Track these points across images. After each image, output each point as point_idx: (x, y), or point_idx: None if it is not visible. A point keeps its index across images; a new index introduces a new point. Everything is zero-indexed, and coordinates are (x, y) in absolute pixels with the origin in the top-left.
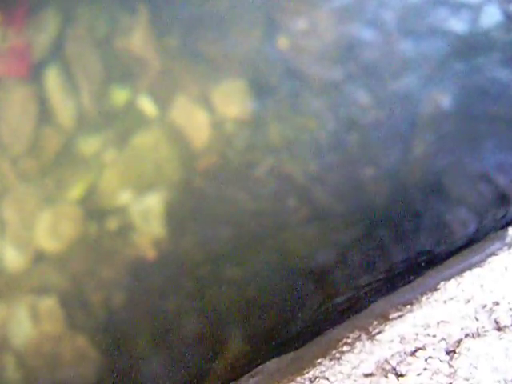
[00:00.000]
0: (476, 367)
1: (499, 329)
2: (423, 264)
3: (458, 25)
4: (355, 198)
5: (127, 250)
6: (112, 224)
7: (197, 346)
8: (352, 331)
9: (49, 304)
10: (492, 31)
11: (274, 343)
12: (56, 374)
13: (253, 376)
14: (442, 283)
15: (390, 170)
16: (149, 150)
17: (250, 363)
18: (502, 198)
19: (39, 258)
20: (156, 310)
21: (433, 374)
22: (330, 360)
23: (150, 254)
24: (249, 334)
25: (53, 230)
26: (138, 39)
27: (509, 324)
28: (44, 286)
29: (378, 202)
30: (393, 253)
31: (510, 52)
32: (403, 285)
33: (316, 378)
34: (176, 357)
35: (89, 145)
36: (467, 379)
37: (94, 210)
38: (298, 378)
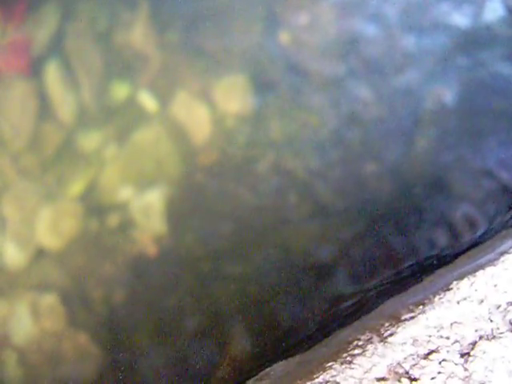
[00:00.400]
0: (492, 371)
1: None
2: (434, 262)
3: (460, 19)
4: (357, 193)
5: (128, 246)
6: (113, 220)
7: (199, 345)
8: (363, 333)
9: (49, 301)
10: (495, 26)
11: (281, 344)
12: (57, 371)
13: (259, 380)
14: (455, 283)
15: (393, 166)
16: (149, 146)
17: (255, 365)
18: (506, 195)
19: (40, 254)
20: (157, 306)
21: (447, 378)
22: (341, 364)
23: (151, 250)
24: (253, 334)
25: (53, 226)
26: (138, 34)
27: None
28: (45, 283)
29: (381, 198)
30: (400, 250)
31: None
32: (413, 284)
33: (327, 382)
34: (179, 355)
35: (89, 140)
36: (483, 383)
37: (94, 206)
38: (308, 383)
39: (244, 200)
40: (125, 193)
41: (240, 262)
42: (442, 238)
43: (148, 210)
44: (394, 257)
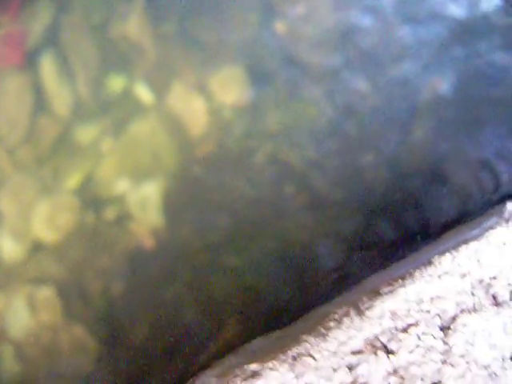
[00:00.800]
0: (472, 344)
1: (497, 304)
2: (418, 239)
3: (456, 10)
4: (354, 184)
5: (125, 239)
6: (109, 213)
7: (192, 334)
8: (340, 307)
9: (46, 294)
10: (491, 16)
11: (264, 324)
12: (54, 364)
13: (237, 354)
14: (436, 257)
15: (389, 157)
16: (146, 138)
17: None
18: (499, 182)
19: (37, 248)
20: (154, 298)
21: (426, 352)
22: (316, 337)
23: (148, 242)
24: (244, 320)
25: (50, 220)
26: (133, 26)
27: (507, 299)
28: (42, 276)
29: (377, 188)
30: (386, 227)
31: (509, 36)
32: (397, 260)
33: (300, 355)
34: (172, 344)
35: (85, 133)
36: (463, 356)
37: (91, 199)
38: (281, 356)
39: (241, 191)
40: (121, 185)
41: (236, 253)
42: (430, 217)
43: (145, 202)
44: (380, 233)
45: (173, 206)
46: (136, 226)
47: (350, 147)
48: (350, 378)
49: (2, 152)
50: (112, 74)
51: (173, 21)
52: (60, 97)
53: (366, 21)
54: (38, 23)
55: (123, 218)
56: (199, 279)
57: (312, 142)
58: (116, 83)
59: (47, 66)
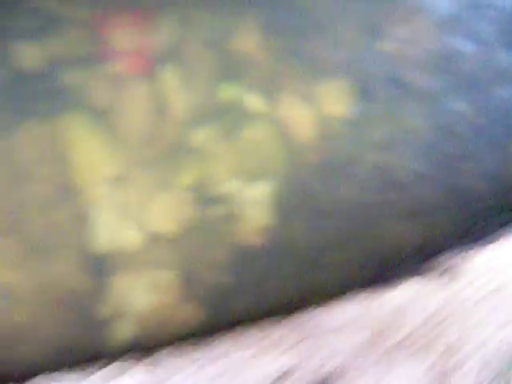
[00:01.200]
0: None
1: None
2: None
3: None
4: (452, 195)
5: (235, 235)
6: (221, 210)
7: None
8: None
9: (164, 278)
10: None
11: None
12: (168, 336)
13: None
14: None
15: (488, 172)
16: (256, 143)
17: None
18: None
19: (156, 237)
20: (260, 290)
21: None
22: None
23: (257, 239)
24: None
25: (167, 213)
26: (247, 41)
27: None
28: (160, 263)
29: (474, 200)
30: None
31: None
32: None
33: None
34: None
35: (200, 136)
36: None
37: (204, 196)
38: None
39: (345, 197)
40: (233, 186)
41: (339, 253)
42: None
43: (255, 202)
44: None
45: (281, 207)
46: (246, 224)
47: (450, 163)
48: None
49: (127, 150)
50: (226, 83)
51: (284, 38)
52: (178, 103)
53: (468, 46)
54: (163, 37)
55: (234, 216)
56: (303, 274)
57: (414, 155)
58: (229, 92)
59: (169, 75)
